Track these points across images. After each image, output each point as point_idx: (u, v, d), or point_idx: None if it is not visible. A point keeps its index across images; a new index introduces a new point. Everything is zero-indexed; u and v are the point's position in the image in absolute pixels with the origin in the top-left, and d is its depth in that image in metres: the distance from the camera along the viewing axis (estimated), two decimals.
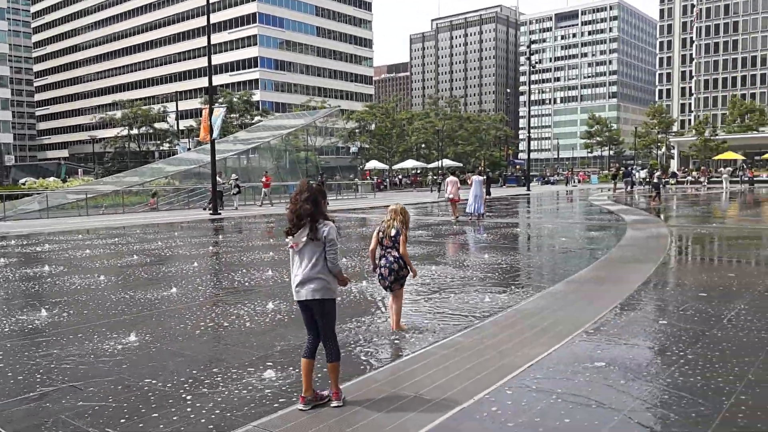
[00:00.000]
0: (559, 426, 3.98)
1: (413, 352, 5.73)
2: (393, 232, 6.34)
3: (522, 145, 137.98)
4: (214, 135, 27.95)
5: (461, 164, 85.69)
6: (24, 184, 43.66)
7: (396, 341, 6.17)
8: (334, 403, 4.34)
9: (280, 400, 4.56)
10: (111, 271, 11.17)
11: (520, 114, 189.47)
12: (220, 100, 66.72)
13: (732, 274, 9.60)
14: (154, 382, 5.03)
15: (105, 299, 8.53)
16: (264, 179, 34.14)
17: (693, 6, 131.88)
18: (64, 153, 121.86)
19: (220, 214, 27.80)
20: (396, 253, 6.34)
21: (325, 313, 4.38)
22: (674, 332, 6.25)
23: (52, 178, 48.98)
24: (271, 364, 5.41)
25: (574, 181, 74.22)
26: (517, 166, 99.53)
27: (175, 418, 4.28)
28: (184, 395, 4.71)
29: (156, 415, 4.33)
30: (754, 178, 56.23)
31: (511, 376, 4.92)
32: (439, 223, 20.90)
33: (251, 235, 18.15)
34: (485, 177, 21.86)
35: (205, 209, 30.74)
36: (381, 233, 6.35)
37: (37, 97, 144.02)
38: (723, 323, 6.51)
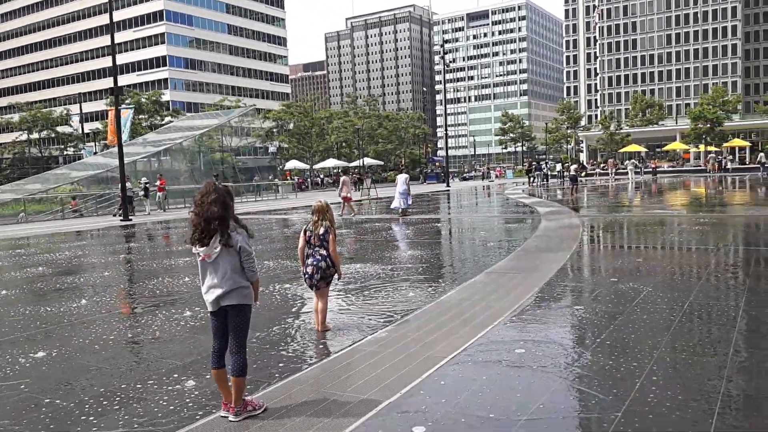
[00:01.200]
0: (482, 414, 4.06)
1: (338, 351, 5.70)
2: (322, 230, 6.28)
3: (441, 143, 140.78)
4: (123, 138, 26.69)
5: (382, 162, 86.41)
6: None
7: (321, 341, 6.12)
8: (232, 417, 4.14)
9: (199, 413, 4.39)
10: (14, 283, 10.43)
11: (437, 112, 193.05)
12: (127, 101, 63.74)
13: (640, 258, 10.17)
14: (58, 401, 4.72)
15: (7, 313, 7.94)
16: (158, 183, 32.75)
17: (595, 7, 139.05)
18: None
19: (131, 219, 26.61)
20: (324, 252, 6.28)
21: (239, 321, 4.16)
22: (589, 316, 6.54)
23: None
24: (191, 372, 5.21)
25: (491, 177, 76.59)
26: (437, 163, 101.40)
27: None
28: (92, 412, 4.45)
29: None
30: (657, 169, 59.98)
31: (435, 368, 4.99)
32: (362, 221, 20.94)
33: (163, 241, 17.48)
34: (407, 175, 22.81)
35: (115, 215, 29.40)
36: (309, 232, 6.27)
37: None
38: (632, 306, 6.89)
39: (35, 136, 79.09)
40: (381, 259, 11.46)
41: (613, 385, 4.50)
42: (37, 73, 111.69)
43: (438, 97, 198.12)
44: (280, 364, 5.35)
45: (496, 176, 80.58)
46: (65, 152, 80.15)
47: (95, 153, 53.70)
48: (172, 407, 4.46)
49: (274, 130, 79.54)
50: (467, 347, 5.54)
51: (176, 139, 46.51)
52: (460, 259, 11.83)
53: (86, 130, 64.22)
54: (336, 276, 6.47)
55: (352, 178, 55.50)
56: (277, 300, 8.21)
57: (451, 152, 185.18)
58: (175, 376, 5.13)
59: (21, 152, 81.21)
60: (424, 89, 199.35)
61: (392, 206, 22.10)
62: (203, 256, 4.10)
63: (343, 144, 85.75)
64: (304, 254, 6.34)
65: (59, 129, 77.76)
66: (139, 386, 4.94)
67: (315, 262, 6.27)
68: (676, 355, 5.10)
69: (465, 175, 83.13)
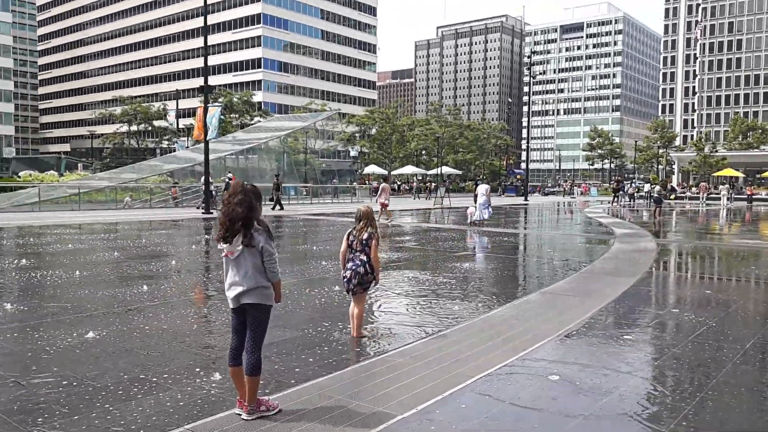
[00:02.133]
0: None
1: (366, 359, 5.64)
2: (365, 235, 6.27)
3: (524, 155, 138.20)
4: (210, 134, 27.90)
5: (461, 172, 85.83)
6: (20, 177, 43.61)
7: (352, 348, 6.08)
8: (245, 416, 4.17)
9: (218, 407, 4.46)
10: (90, 266, 11.09)
11: (523, 124, 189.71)
12: (220, 100, 66.70)
13: (711, 290, 9.50)
14: (90, 382, 4.93)
15: (87, 293, 8.44)
16: (230, 180, 33.63)
17: (697, 22, 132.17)
18: (66, 147, 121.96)
19: (212, 213, 27.71)
20: (364, 257, 6.27)
21: (258, 320, 4.20)
22: (637, 347, 6.15)
23: (50, 172, 48.90)
24: (221, 365, 5.31)
25: (575, 193, 74.24)
26: (518, 176, 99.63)
27: (109, 417, 4.18)
28: (113, 397, 4.61)
29: (93, 414, 4.23)
30: (753, 196, 56.13)
31: (459, 387, 4.83)
32: (428, 230, 20.86)
33: None
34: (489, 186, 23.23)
35: (198, 208, 30.68)
36: (351, 236, 6.27)
37: (41, 90, 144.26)
38: (687, 340, 6.41)
39: (134, 128, 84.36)
40: (437, 269, 11.35)
41: (650, 422, 4.18)
42: (140, 70, 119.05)
43: (525, 108, 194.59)
44: (306, 367, 5.35)
45: (581, 193, 77.97)
46: (160, 145, 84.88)
47: (187, 147, 56.41)
48: (192, 399, 4.55)
49: (357, 134, 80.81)
50: (499, 368, 5.33)
51: (263, 139, 48.13)
52: (518, 275, 11.56)
53: (181, 126, 67.52)
54: (374, 282, 6.45)
55: (418, 185, 55.73)
56: (321, 301, 8.27)
57: (535, 165, 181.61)
58: (207, 367, 5.24)
59: (120, 143, 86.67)
60: (509, 100, 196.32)
61: (474, 218, 22.03)
62: (226, 252, 4.19)
63: (423, 151, 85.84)
64: (345, 258, 6.34)
65: (156, 123, 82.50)
66: (167, 376, 5.08)
67: (354, 267, 6.26)
68: (718, 401, 4.69)
69: (546, 189, 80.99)
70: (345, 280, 6.32)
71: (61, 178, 42.01)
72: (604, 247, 15.89)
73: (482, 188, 22.63)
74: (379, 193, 24.18)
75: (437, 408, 4.39)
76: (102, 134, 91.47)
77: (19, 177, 43.81)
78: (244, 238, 4.09)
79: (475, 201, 23.48)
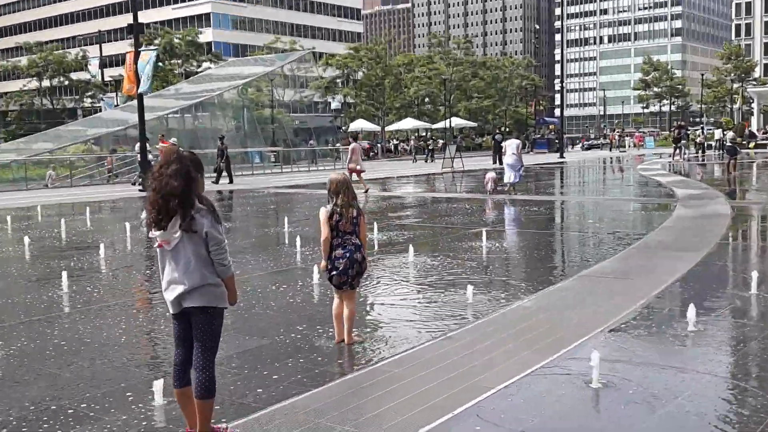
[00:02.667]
0: None
1: (354, 372, 5.65)
2: (354, 212, 6.28)
3: (558, 99, 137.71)
4: (144, 86, 27.71)
5: (476, 124, 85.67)
6: None
7: (336, 358, 6.09)
8: None
9: None
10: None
11: (556, 58, 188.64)
12: (156, 42, 66.05)
13: None
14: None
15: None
16: (160, 145, 32.88)
17: None
18: None
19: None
20: (357, 240, 6.28)
21: (207, 327, 4.17)
22: (707, 344, 6.18)
23: None
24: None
25: (625, 145, 74.19)
26: (550, 126, 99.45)
27: None
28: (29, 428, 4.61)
29: None
30: None
31: (472, 403, 4.83)
32: (437, 200, 20.87)
33: None
34: (523, 141, 23.32)
35: (134, 184, 30.61)
36: (336, 215, 6.22)
37: None
38: None
39: (46, 84, 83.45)
40: (449, 251, 11.42)
41: None
42: (50, 7, 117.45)
43: (557, 37, 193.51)
44: (275, 385, 5.36)
45: (633, 144, 77.89)
46: (82, 104, 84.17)
47: (116, 106, 56.12)
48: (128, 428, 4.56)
49: (338, 80, 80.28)
50: (525, 376, 5.35)
51: (215, 91, 47.88)
52: (552, 255, 11.63)
53: (107, 78, 66.80)
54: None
55: (417, 143, 55.64)
56: (295, 299, 8.30)
57: (572, 112, 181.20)
58: (144, 390, 5.24)
59: (29, 104, 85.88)
60: (536, 27, 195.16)
61: (504, 180, 22.24)
62: (161, 242, 4.14)
63: (426, 99, 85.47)
64: (329, 245, 6.30)
65: (74, 76, 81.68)
66: (93, 404, 5.08)
67: (348, 254, 6.24)
68: None
69: (588, 142, 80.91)
70: (337, 272, 6.26)
71: None
72: (663, 213, 15.97)
73: (511, 144, 22.45)
74: (349, 155, 24.25)
75: None
76: (5, 93, 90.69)
77: None
78: (183, 221, 4.03)
79: (495, 161, 23.50)
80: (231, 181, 30.54)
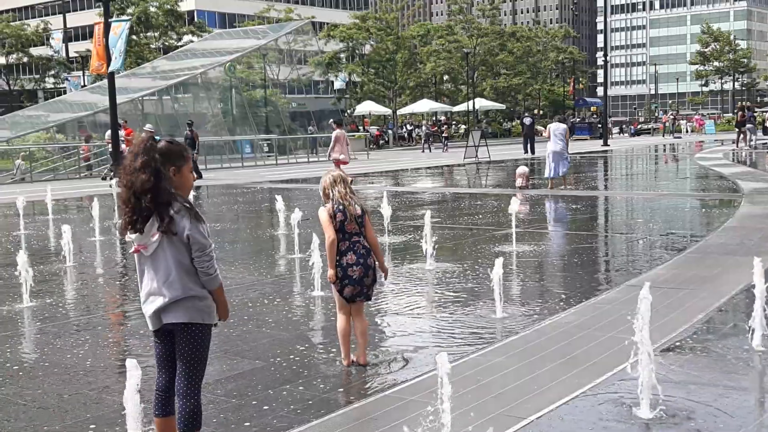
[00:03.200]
0: None
1: (365, 398, 5.68)
2: (359, 210, 6.32)
3: (600, 76, 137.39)
4: (115, 64, 27.86)
5: (504, 106, 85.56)
6: None
7: (342, 382, 6.16)
8: None
9: None
10: None
11: (598, 27, 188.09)
12: (129, 11, 66.28)
13: None
14: None
15: None
16: (123, 133, 32.30)
17: None
18: None
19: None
20: (366, 243, 6.34)
21: (191, 347, 4.20)
22: None
23: None
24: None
25: (681, 130, 73.93)
26: (591, 108, 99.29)
27: None
28: None
29: None
30: None
31: None
32: (461, 197, 20.88)
33: None
34: (569, 125, 23.25)
35: (104, 179, 30.75)
36: (340, 215, 6.25)
37: None
38: None
39: (2, 61, 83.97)
40: (475, 256, 11.51)
41: None
42: None
43: (599, 3, 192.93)
44: (271, 415, 5.41)
45: (693, 129, 77.63)
46: (43, 85, 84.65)
47: (83, 87, 56.40)
48: None
49: (342, 55, 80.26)
50: (563, 404, 5.37)
51: (197, 68, 48.05)
52: (596, 261, 11.64)
53: (72, 54, 67.27)
54: (382, 274, 6.55)
55: (429, 129, 55.03)
56: (294, 314, 8.37)
57: (618, 90, 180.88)
58: (113, 422, 5.29)
59: None
60: None
61: (545, 174, 22.34)
62: (137, 246, 4.17)
63: (445, 77, 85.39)
64: (335, 249, 6.31)
65: (34, 52, 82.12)
66: None
67: (361, 259, 6.26)
68: None
69: (635, 127, 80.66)
70: (349, 282, 6.27)
71: None
72: (725, 211, 15.96)
73: (556, 129, 22.24)
74: (332, 144, 24.17)
75: None
76: None
77: None
78: (161, 222, 4.05)
79: (526, 149, 23.48)
80: (199, 176, 29.71)
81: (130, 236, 4.17)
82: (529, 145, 39.81)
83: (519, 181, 21.98)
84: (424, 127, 61.46)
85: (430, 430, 4.96)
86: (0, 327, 8.14)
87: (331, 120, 28.44)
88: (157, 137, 4.33)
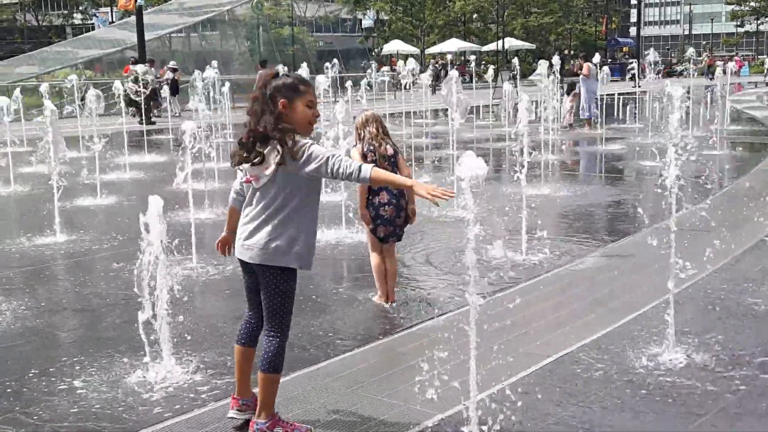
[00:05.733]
0: None
1: (395, 334, 5.85)
2: (390, 149, 6.38)
3: (633, 15, 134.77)
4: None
5: (534, 46, 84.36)
6: None
7: (372, 319, 6.39)
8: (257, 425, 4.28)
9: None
10: None
11: None
12: None
13: None
14: None
15: None
16: (173, 69, 31.48)
17: None
18: None
19: (154, 123, 27.87)
20: None
21: (270, 289, 4.25)
22: None
23: None
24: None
25: (716, 72, 72.58)
26: (623, 49, 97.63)
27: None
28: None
29: None
30: None
31: (526, 373, 5.03)
32: (481, 140, 20.85)
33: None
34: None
35: (134, 116, 30.83)
36: (371, 154, 6.31)
37: None
38: None
39: None
40: (500, 198, 11.46)
41: None
42: None
43: None
44: (300, 351, 5.63)
45: (734, 71, 76.05)
46: (71, 20, 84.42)
47: (111, 23, 56.25)
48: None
49: None
50: (586, 344, 5.53)
51: (224, 5, 47.70)
52: (623, 204, 11.60)
53: None
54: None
55: (436, 68, 52.53)
56: (326, 255, 8.48)
57: (651, 31, 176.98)
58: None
59: (10, 20, 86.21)
60: None
61: (582, 114, 22.76)
62: (248, 177, 4.22)
63: (474, 16, 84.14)
64: (365, 192, 6.42)
65: None
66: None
67: (394, 199, 6.33)
68: None
69: (672, 68, 79.29)
70: (381, 221, 6.38)
71: None
72: (757, 155, 15.83)
73: (593, 69, 22.95)
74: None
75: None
76: None
77: None
78: (281, 155, 4.06)
79: (568, 93, 23.36)
80: (150, 121, 27.78)
81: (241, 166, 4.22)
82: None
83: (568, 118, 22.70)
84: (430, 68, 52.56)
85: (457, 365, 5.13)
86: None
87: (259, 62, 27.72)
88: (279, 70, 4.36)
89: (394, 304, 6.59)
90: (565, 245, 8.70)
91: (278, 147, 4.04)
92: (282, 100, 4.12)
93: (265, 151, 4.07)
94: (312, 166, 4.03)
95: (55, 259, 8.71)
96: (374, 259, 6.58)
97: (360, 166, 3.99)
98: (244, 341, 4.45)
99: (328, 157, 4.02)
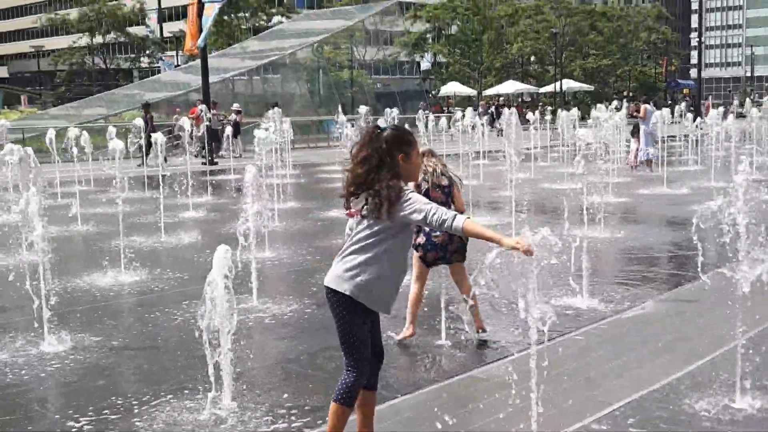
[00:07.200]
0: None
1: (450, 378, 5.82)
2: (445, 181, 6.55)
3: (693, 57, 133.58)
4: (200, 40, 28.22)
5: (592, 87, 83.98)
6: None
7: (427, 360, 6.33)
8: None
9: None
10: None
11: (692, 6, 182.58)
12: None
13: None
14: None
15: None
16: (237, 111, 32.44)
17: None
18: (2, 72, 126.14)
19: (216, 163, 28.35)
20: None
21: (334, 317, 4.41)
22: None
23: None
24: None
25: None
26: (684, 90, 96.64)
27: None
28: None
29: None
30: None
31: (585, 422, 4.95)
32: (533, 182, 20.76)
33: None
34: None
35: (196, 156, 31.38)
36: (425, 183, 6.44)
37: None
38: None
39: (98, 40, 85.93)
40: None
41: None
42: None
43: None
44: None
45: None
46: (138, 64, 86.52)
47: (177, 66, 57.52)
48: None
49: (428, 35, 79.88)
50: (653, 390, 5.42)
51: (286, 49, 48.50)
52: (685, 249, 11.43)
53: (166, 33, 68.49)
54: (505, 243, 6.59)
55: (489, 106, 52.00)
56: None
57: (712, 72, 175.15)
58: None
59: (80, 63, 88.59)
60: None
61: (641, 157, 22.77)
62: (351, 211, 4.40)
63: (532, 58, 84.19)
64: None
65: (131, 30, 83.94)
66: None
67: None
68: None
69: (730, 108, 78.21)
70: (432, 247, 6.51)
71: None
72: None
73: (652, 111, 23.15)
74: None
75: None
76: (53, 51, 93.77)
77: None
78: (373, 208, 4.22)
79: (635, 134, 23.30)
80: (211, 162, 28.59)
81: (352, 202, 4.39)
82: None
83: (640, 156, 22.69)
84: (480, 108, 53.34)
85: (515, 411, 5.07)
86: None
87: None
88: (383, 126, 4.45)
89: (485, 333, 6.69)
90: (626, 289, 8.58)
91: (378, 199, 4.17)
92: (400, 155, 4.27)
93: (366, 195, 4.23)
94: (408, 213, 4.17)
95: (121, 297, 8.88)
96: (414, 288, 6.73)
97: (454, 216, 4.09)
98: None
99: (426, 208, 4.15)
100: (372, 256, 4.26)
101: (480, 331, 6.70)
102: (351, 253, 4.31)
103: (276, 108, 29.30)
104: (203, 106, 29.27)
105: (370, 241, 4.27)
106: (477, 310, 6.70)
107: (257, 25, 71.99)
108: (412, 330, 6.72)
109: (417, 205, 4.16)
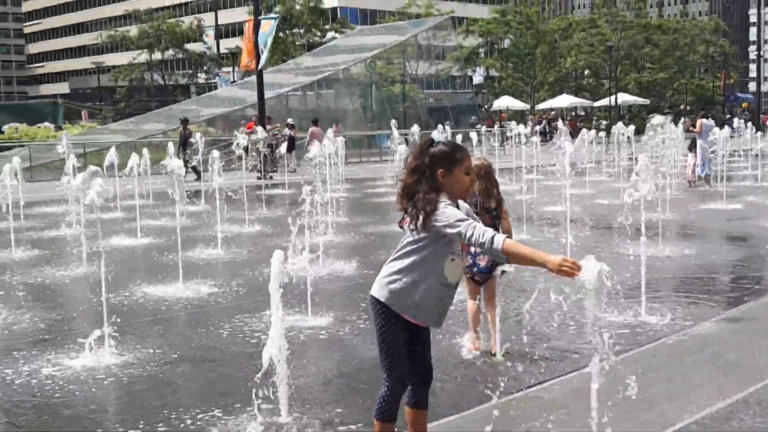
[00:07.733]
0: None
1: (502, 397, 5.76)
2: (493, 203, 6.50)
3: (752, 70, 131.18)
4: (262, 61, 28.65)
5: (648, 101, 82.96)
6: (2, 132, 46.33)
7: (479, 377, 6.24)
8: None
9: None
10: None
11: (751, 19, 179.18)
12: (276, 9, 68.02)
13: None
14: None
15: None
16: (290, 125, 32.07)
17: None
18: (63, 88, 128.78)
19: (271, 178, 28.58)
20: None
21: (374, 322, 4.43)
22: None
23: (44, 124, 51.74)
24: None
25: None
26: (743, 104, 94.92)
27: None
28: None
29: None
30: None
31: None
32: (586, 197, 20.53)
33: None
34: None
35: (251, 171, 31.68)
36: (475, 207, 6.37)
37: (25, 6, 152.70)
38: None
39: (157, 57, 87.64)
40: (611, 256, 11.19)
41: None
42: None
43: None
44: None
45: None
46: (195, 80, 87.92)
47: (233, 82, 58.30)
48: None
49: (481, 50, 79.75)
50: (715, 411, 5.31)
51: (339, 65, 48.88)
52: (747, 268, 11.21)
53: (223, 50, 69.52)
54: (548, 265, 6.58)
55: (542, 122, 51.04)
56: None
57: None
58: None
59: (139, 79, 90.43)
60: None
61: (698, 173, 22.57)
62: (402, 221, 4.45)
63: (586, 72, 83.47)
64: None
65: (189, 47, 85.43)
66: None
67: None
68: None
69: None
70: (478, 269, 6.55)
71: (60, 132, 44.41)
72: None
73: (710, 126, 22.64)
74: (306, 142, 23.72)
75: None
76: (113, 67, 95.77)
77: (2, 132, 46.45)
78: (411, 219, 4.26)
79: (692, 149, 22.91)
80: (198, 178, 26.51)
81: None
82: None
83: (697, 171, 22.47)
84: (529, 122, 52.84)
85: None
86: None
87: (312, 121, 28.55)
88: (437, 139, 4.48)
89: (503, 358, 6.55)
90: (685, 308, 8.41)
91: (415, 210, 4.19)
92: (440, 170, 4.26)
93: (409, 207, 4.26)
94: (442, 226, 4.13)
95: (177, 310, 8.99)
96: (471, 305, 6.73)
97: (493, 237, 3.99)
98: (406, 400, 4.52)
99: (461, 224, 4.08)
100: (410, 263, 4.28)
101: (493, 355, 6.61)
102: (392, 261, 4.36)
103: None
104: (259, 127, 29.59)
105: (409, 249, 4.30)
106: (495, 330, 6.66)
107: (311, 41, 72.73)
108: (477, 344, 6.70)
109: (451, 220, 4.11)
